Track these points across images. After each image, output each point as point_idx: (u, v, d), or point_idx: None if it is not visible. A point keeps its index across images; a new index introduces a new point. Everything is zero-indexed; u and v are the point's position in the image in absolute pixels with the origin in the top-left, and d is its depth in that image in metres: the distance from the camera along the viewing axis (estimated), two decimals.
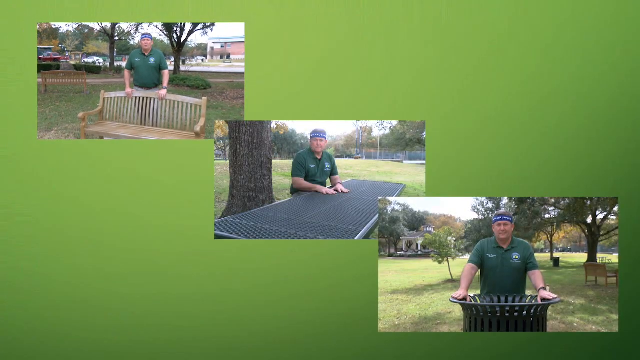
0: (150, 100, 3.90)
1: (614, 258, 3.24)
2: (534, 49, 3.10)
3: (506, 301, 3.11)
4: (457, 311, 3.53)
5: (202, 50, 3.56)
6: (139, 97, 3.94)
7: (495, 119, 3.11)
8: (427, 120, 3.11)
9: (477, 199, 3.29)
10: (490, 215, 3.39)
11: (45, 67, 3.25)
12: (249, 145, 4.65)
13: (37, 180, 3.05)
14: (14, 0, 3.04)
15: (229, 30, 3.14)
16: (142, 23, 3.21)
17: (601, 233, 3.72)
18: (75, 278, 3.06)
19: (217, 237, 3.07)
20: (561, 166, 3.15)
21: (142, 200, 3.07)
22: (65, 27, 3.29)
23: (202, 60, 3.62)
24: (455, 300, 2.99)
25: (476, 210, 3.64)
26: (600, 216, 3.56)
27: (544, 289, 3.01)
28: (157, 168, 3.08)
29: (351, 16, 3.07)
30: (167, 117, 3.80)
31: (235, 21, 3.09)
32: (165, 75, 3.80)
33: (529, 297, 3.12)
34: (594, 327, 3.34)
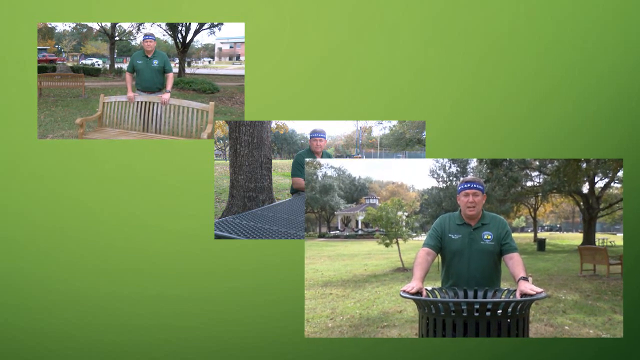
0: (153, 105, 3.79)
1: (617, 239, 2.59)
2: (534, 49, 3.09)
3: (475, 297, 2.48)
4: (411, 309, 3.04)
5: (209, 51, 3.46)
6: (141, 102, 3.83)
7: (496, 119, 3.11)
8: (427, 120, 3.11)
9: (436, 161, 2.72)
10: (454, 183, 2.83)
11: (40, 69, 3.12)
12: (249, 145, 4.64)
13: (37, 180, 3.05)
14: (14, 0, 3.04)
15: (238, 30, 3.10)
16: (143, 23, 3.19)
17: (601, 206, 2.89)
18: (75, 278, 3.06)
19: (217, 237, 3.07)
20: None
21: (142, 200, 3.07)
22: (62, 26, 3.24)
23: (209, 61, 3.52)
24: (407, 296, 2.31)
25: (435, 176, 2.94)
26: (599, 184, 2.78)
27: (525, 279, 2.36)
28: (157, 168, 3.08)
29: (351, 16, 3.07)
30: (171, 124, 3.70)
31: (235, 21, 3.09)
32: (170, 79, 3.72)
33: (505, 291, 2.48)
34: (591, 331, 2.88)
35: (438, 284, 2.60)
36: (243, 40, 3.09)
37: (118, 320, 3.06)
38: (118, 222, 3.06)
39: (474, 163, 2.59)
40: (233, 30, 3.13)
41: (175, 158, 3.09)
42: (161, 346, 3.07)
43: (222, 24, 3.15)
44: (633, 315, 2.68)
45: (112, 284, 3.06)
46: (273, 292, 3.10)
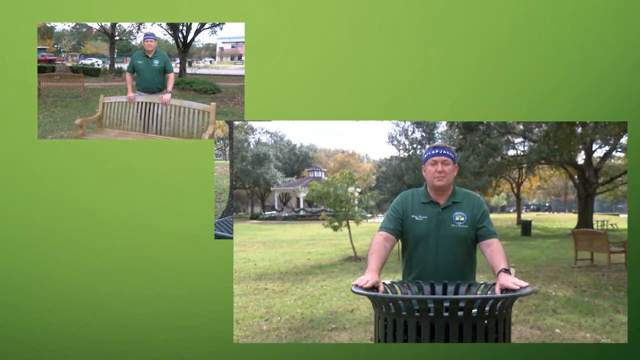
0: (154, 105, 3.78)
1: (620, 221, 2.05)
2: (533, 49, 3.09)
3: (444, 292, 1.98)
4: (365, 308, 2.54)
5: (210, 51, 3.44)
6: (142, 103, 3.81)
7: (496, 118, 3.11)
8: (427, 121, 3.10)
9: (397, 125, 2.12)
10: (419, 151, 2.35)
11: (39, 69, 3.09)
12: None
13: (37, 180, 3.05)
14: (14, 0, 3.04)
15: (240, 29, 3.08)
16: (143, 22, 3.18)
17: (600, 180, 2.45)
18: (75, 278, 3.06)
19: (217, 237, 3.07)
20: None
21: (142, 200, 3.07)
22: (61, 25, 3.23)
23: (211, 61, 3.50)
24: (361, 291, 1.85)
25: (395, 143, 2.49)
26: (598, 152, 2.28)
27: (507, 271, 1.92)
28: (157, 168, 3.08)
29: (351, 16, 3.07)
30: (172, 124, 3.68)
31: (235, 21, 3.08)
32: (170, 79, 3.71)
33: (482, 286, 2.02)
34: (588, 334, 2.35)
35: (399, 277, 2.16)
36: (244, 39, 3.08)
37: (118, 320, 3.06)
38: (118, 222, 3.06)
39: (442, 127, 2.14)
40: (235, 30, 3.12)
41: (176, 158, 3.08)
42: (161, 346, 3.06)
43: (223, 23, 3.15)
44: (639, 316, 2.13)
45: (112, 284, 3.06)
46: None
